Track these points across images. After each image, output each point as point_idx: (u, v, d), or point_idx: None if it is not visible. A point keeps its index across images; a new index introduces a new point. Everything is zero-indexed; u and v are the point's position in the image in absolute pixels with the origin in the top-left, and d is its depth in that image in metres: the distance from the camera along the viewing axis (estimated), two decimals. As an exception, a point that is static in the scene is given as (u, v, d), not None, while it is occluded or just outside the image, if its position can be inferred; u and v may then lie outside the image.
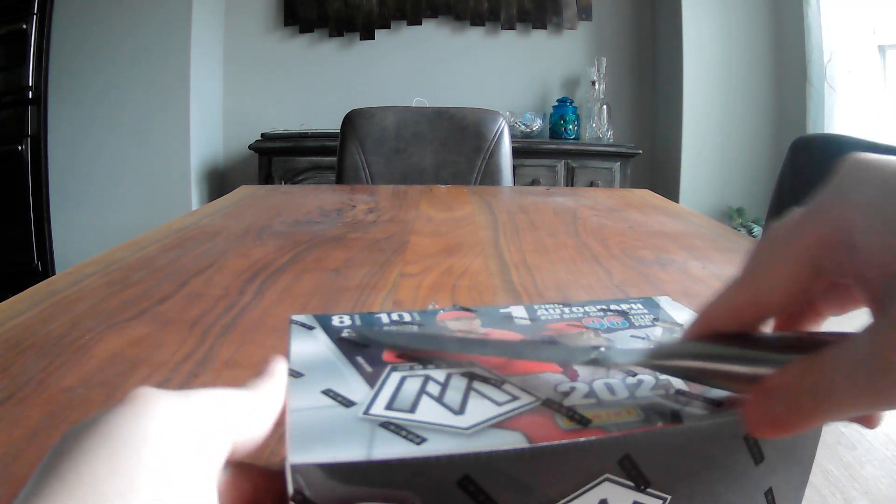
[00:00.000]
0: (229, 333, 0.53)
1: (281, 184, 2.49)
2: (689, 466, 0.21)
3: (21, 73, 2.44)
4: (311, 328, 0.28)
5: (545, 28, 2.91)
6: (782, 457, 0.23)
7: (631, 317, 0.30)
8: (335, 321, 0.29)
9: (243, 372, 0.45)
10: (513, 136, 1.84)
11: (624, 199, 1.32)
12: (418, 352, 0.26)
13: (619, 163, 2.61)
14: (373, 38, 2.89)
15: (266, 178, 2.57)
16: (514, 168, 1.80)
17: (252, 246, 0.83)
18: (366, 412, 0.21)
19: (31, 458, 0.34)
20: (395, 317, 0.29)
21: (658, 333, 0.29)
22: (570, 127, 2.75)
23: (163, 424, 0.18)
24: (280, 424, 0.22)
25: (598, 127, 2.76)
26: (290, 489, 0.18)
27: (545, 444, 0.19)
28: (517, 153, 2.14)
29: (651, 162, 2.98)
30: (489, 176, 1.68)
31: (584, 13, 2.89)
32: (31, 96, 2.47)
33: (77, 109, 2.55)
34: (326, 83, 2.93)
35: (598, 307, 0.31)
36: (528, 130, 2.78)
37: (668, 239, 0.93)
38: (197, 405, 0.20)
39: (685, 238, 0.94)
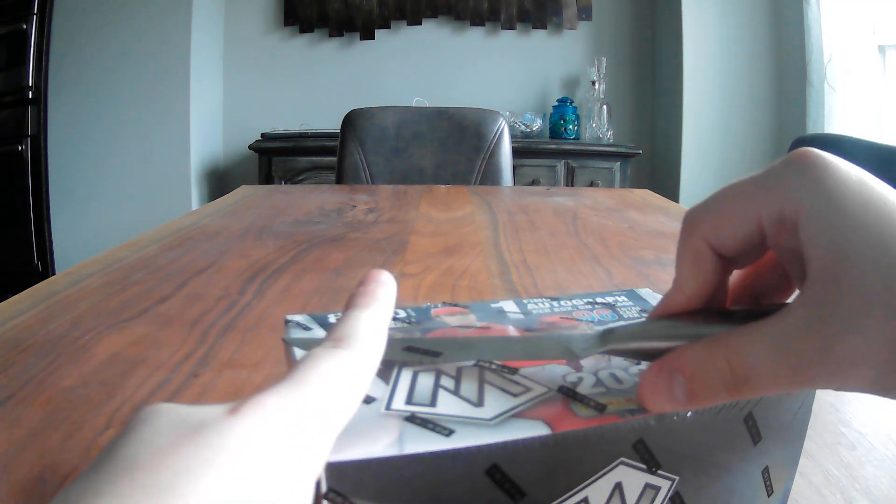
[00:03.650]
0: (229, 333, 0.53)
1: (281, 184, 2.49)
2: (694, 448, 0.22)
3: (21, 73, 2.44)
4: (308, 328, 0.28)
5: (545, 28, 2.91)
6: (777, 436, 0.24)
7: (618, 309, 0.31)
8: (332, 319, 0.29)
9: (243, 372, 0.45)
10: (513, 136, 1.84)
11: (624, 199, 1.32)
12: (423, 346, 0.26)
13: (619, 163, 2.61)
14: (373, 38, 2.89)
15: (266, 178, 2.57)
16: (514, 168, 1.80)
17: (252, 246, 0.83)
18: (388, 407, 0.21)
19: (31, 457, 0.34)
20: None
21: None
22: (570, 127, 2.75)
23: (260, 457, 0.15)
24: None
25: (598, 127, 2.76)
26: (325, 487, 0.18)
27: (568, 431, 0.20)
28: (517, 153, 2.14)
29: (651, 162, 2.98)
30: (489, 176, 1.68)
31: (584, 13, 2.89)
32: (31, 96, 2.47)
33: (77, 109, 2.55)
34: (326, 83, 2.93)
35: (585, 300, 0.32)
36: (528, 130, 2.78)
37: (668, 239, 0.93)
38: (303, 414, 0.17)
39: (685, 238, 0.94)
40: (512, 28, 2.90)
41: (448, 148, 1.70)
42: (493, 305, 0.31)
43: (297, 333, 0.27)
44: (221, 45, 2.91)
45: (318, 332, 0.27)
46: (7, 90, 2.46)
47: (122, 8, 2.52)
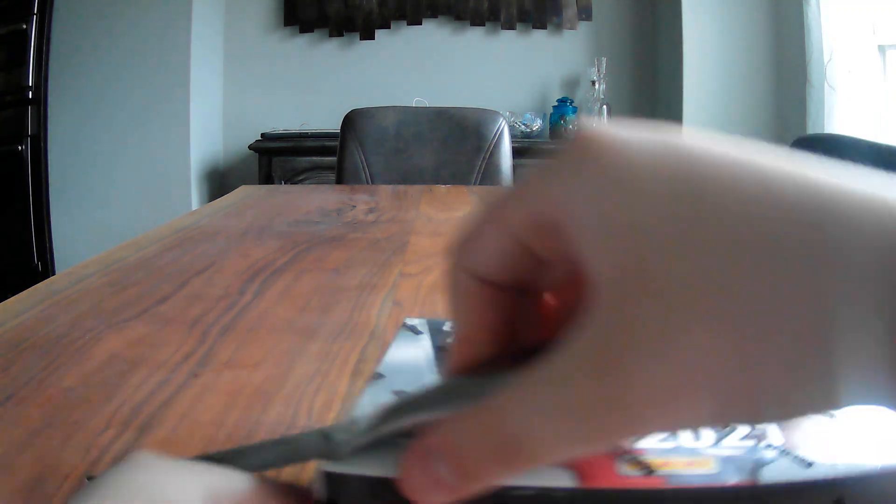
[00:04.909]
0: (229, 333, 0.52)
1: (281, 184, 2.49)
2: None
3: (21, 73, 2.44)
4: (419, 333, 0.27)
5: (545, 28, 2.91)
6: None
7: None
8: (446, 328, 0.28)
9: (243, 372, 0.45)
10: (513, 136, 1.84)
11: (624, 199, 1.32)
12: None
13: (619, 163, 2.61)
14: (373, 38, 2.89)
15: (266, 178, 2.56)
16: (514, 168, 1.81)
17: (252, 246, 0.83)
18: None
19: (31, 457, 0.34)
20: None
21: None
22: (571, 127, 2.75)
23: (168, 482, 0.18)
24: None
25: (598, 127, 2.76)
26: (322, 497, 0.18)
27: (588, 487, 0.17)
28: (517, 153, 2.14)
29: (651, 162, 2.98)
30: (489, 176, 1.68)
31: (584, 13, 2.89)
32: (31, 96, 2.47)
33: (77, 109, 2.55)
34: (326, 83, 2.93)
35: None
36: (528, 130, 2.78)
37: (668, 239, 0.93)
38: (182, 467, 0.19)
39: (685, 238, 0.94)
40: (512, 28, 2.90)
41: (448, 148, 1.70)
42: None
43: (405, 338, 0.27)
44: (221, 45, 2.90)
45: (425, 341, 0.27)
46: (7, 90, 2.46)
47: (123, 8, 2.52)
